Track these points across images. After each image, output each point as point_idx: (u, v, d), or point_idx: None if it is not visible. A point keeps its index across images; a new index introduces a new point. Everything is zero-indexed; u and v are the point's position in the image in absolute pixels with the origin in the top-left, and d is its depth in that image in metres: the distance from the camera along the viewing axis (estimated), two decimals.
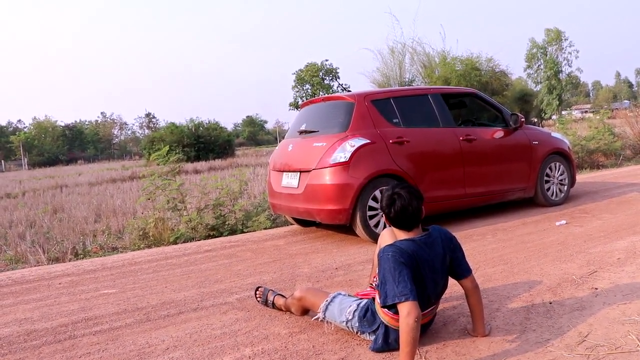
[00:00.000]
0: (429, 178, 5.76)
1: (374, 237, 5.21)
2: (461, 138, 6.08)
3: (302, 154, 5.85)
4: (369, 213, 5.36)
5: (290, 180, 5.91)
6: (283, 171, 6.12)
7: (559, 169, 6.95)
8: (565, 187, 7.03)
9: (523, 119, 6.69)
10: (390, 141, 5.57)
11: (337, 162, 5.31)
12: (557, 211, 6.44)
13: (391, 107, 5.84)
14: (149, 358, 2.86)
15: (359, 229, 5.37)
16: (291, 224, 7.01)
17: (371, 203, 5.34)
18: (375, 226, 5.37)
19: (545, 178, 6.83)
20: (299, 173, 5.77)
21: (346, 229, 6.20)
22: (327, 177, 5.35)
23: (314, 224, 6.69)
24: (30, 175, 32.68)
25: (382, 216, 4.91)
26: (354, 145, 5.35)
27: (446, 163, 5.95)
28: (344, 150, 5.33)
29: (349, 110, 5.68)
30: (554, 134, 7.23)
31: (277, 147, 6.76)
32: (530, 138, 6.71)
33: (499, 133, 6.48)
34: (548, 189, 6.86)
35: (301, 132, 6.11)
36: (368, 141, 5.43)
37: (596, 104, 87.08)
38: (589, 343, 2.62)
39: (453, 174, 5.98)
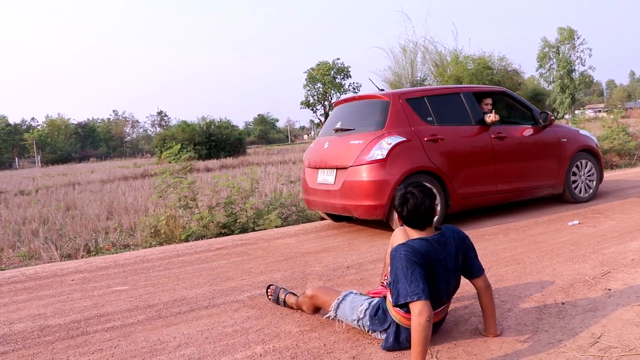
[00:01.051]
0: (463, 175, 5.88)
1: None
2: (493, 136, 6.18)
3: (338, 152, 5.96)
4: None
5: (326, 177, 6.05)
6: (319, 168, 6.25)
7: (586, 166, 7.03)
8: (594, 184, 7.12)
9: (553, 117, 6.77)
10: (425, 139, 5.69)
11: (374, 159, 5.45)
12: (569, 211, 6.39)
13: (425, 105, 5.97)
14: (160, 355, 2.88)
15: (396, 224, 5.45)
16: (308, 222, 7.02)
17: None
18: None
19: (572, 176, 6.91)
20: (335, 170, 5.90)
21: (358, 227, 6.21)
22: (365, 174, 5.48)
23: (346, 220, 6.80)
24: (43, 173, 32.97)
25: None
26: (390, 143, 5.49)
27: (478, 160, 6.05)
28: (381, 148, 5.47)
29: (385, 108, 5.80)
30: (582, 132, 7.31)
31: (311, 145, 6.87)
32: (559, 135, 6.77)
33: (528, 131, 6.56)
34: (575, 186, 6.93)
35: (337, 130, 6.24)
36: (404, 139, 5.57)
37: (610, 103, 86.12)
38: (602, 344, 2.60)
39: (485, 171, 6.09)
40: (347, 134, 6.02)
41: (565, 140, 6.78)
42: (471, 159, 5.99)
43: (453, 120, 6.08)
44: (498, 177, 6.16)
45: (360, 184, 5.50)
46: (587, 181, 7.04)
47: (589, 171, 7.04)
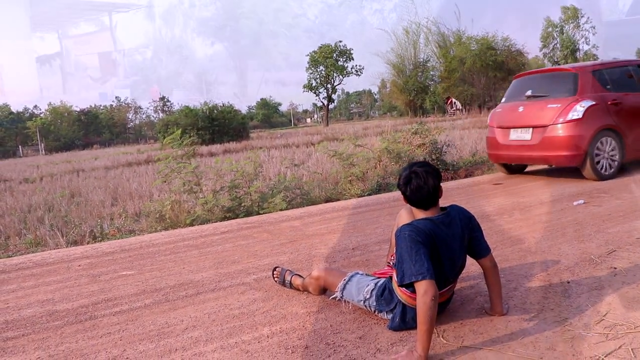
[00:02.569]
0: (635, 132, 7.15)
1: (599, 177, 6.85)
2: None
3: (535, 113, 7.22)
4: (595, 159, 6.81)
5: (521, 135, 7.35)
6: (511, 128, 7.54)
7: None
8: None
9: None
10: (609, 102, 6.97)
11: (572, 119, 6.74)
12: (574, 190, 6.38)
13: (604, 76, 7.24)
14: (168, 337, 2.90)
15: (587, 170, 6.85)
16: (313, 204, 7.04)
17: (596, 151, 6.81)
18: (601, 169, 6.88)
19: None
20: (531, 128, 7.19)
21: (362, 209, 6.22)
22: (563, 131, 6.82)
23: (519, 172, 8.36)
24: (47, 160, 32.99)
25: (606, 159, 6.90)
26: (584, 106, 6.75)
27: None
28: (576, 110, 6.75)
29: (574, 79, 7.11)
30: None
31: (499, 109, 8.17)
32: None
33: None
34: None
35: (529, 97, 7.49)
36: (594, 103, 6.84)
37: None
38: (607, 322, 2.61)
39: None
40: (541, 100, 7.27)
41: None
42: None
43: (626, 88, 7.32)
44: None
45: (560, 139, 6.83)
46: None
47: None
